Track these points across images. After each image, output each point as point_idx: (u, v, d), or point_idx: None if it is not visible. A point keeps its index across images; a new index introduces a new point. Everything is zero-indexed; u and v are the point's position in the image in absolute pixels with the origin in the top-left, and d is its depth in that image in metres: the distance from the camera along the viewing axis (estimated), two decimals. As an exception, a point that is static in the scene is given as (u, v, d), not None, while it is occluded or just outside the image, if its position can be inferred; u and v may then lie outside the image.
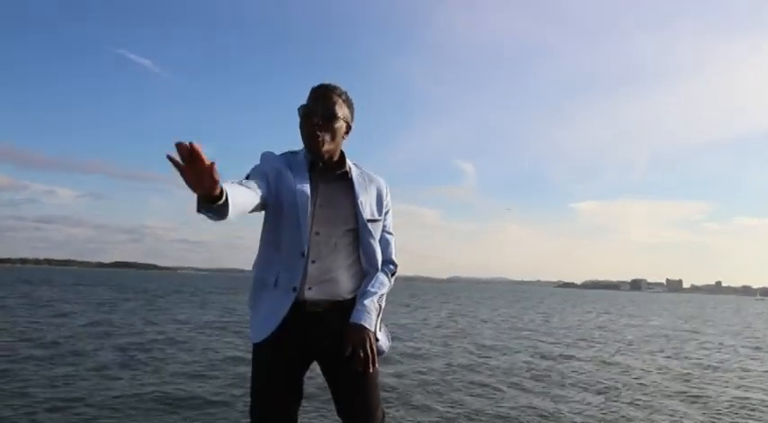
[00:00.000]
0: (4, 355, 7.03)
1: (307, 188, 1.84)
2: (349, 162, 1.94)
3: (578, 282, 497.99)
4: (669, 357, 9.72)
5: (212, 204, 1.46)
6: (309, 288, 1.85)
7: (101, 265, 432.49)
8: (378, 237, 1.95)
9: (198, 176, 1.35)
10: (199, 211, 1.51)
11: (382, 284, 1.95)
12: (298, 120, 1.86)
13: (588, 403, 5.62)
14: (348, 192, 1.90)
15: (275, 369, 1.88)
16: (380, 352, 1.92)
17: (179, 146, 1.30)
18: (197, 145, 1.30)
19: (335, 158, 1.91)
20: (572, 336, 13.40)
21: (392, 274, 2.03)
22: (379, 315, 1.89)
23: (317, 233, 1.85)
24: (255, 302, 1.92)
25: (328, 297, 1.87)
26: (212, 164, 1.34)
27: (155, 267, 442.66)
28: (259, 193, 1.72)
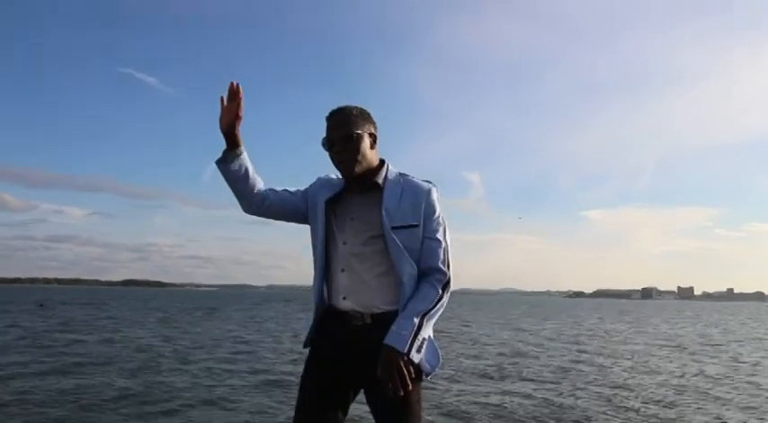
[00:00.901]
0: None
1: (324, 201, 1.95)
2: (388, 171, 1.95)
3: (588, 291, 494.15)
4: None
5: (230, 153, 1.89)
6: (344, 298, 1.89)
7: (110, 283, 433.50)
8: (411, 244, 1.85)
9: (227, 114, 1.84)
10: (217, 162, 1.92)
11: (424, 298, 1.83)
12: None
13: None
14: (378, 200, 1.88)
15: (315, 380, 1.91)
16: (424, 373, 1.85)
17: (231, 85, 1.82)
18: (238, 87, 1.82)
19: (372, 171, 1.93)
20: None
21: (442, 286, 1.87)
22: (417, 334, 1.78)
23: (344, 243, 1.90)
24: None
25: (363, 309, 1.87)
26: (239, 102, 1.83)
27: (162, 284, 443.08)
28: (291, 199, 2.01)
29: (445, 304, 1.89)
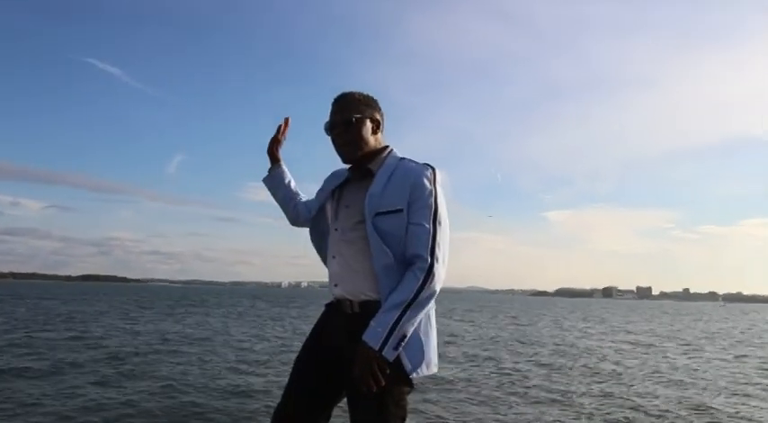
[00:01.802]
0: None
1: (330, 191, 2.01)
2: (389, 157, 1.92)
3: (551, 290, 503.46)
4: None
5: (272, 169, 2.29)
6: (336, 285, 1.89)
7: (68, 278, 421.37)
8: (395, 230, 1.75)
9: (276, 138, 2.28)
10: (264, 179, 2.32)
11: (403, 289, 1.70)
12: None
13: None
14: (368, 186, 1.85)
15: (305, 369, 1.90)
16: (407, 373, 1.72)
17: (286, 119, 2.29)
18: (288, 120, 2.29)
19: (371, 156, 1.93)
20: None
21: (424, 274, 1.71)
22: (393, 330, 1.66)
23: (336, 229, 1.92)
24: None
25: (351, 296, 1.84)
26: (282, 135, 2.29)
27: (124, 280, 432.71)
28: (305, 206, 2.22)
29: (433, 295, 1.73)
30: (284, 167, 2.29)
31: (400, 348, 1.69)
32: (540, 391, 7.25)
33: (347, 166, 2.00)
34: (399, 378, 1.71)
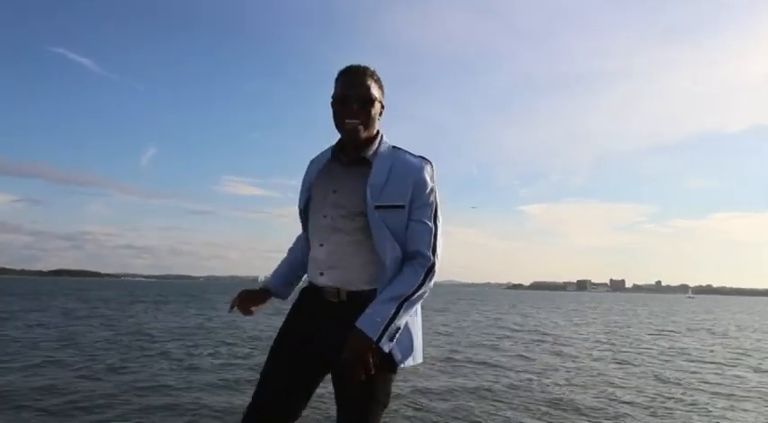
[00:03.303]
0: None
1: (312, 175, 1.90)
2: (381, 144, 1.85)
3: (526, 283, 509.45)
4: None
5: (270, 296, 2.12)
6: (321, 273, 1.83)
7: (40, 273, 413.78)
8: (396, 226, 1.74)
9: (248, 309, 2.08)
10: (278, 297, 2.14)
11: (405, 283, 1.72)
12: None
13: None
14: (364, 175, 1.78)
15: (282, 356, 1.86)
16: (392, 364, 1.75)
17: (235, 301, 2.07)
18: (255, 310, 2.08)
19: (366, 141, 1.83)
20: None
21: (425, 271, 1.74)
22: (391, 322, 1.67)
23: (325, 216, 1.82)
24: None
25: (340, 285, 1.79)
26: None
27: (97, 274, 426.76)
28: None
29: (428, 291, 1.76)
30: (271, 285, 2.10)
31: (394, 341, 1.70)
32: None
33: (325, 150, 1.94)
34: (388, 367, 1.74)
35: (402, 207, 1.75)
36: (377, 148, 1.82)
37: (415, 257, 1.74)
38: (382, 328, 1.66)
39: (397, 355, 1.75)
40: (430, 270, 1.75)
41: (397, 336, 1.71)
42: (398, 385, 6.96)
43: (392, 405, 5.19)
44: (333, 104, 1.82)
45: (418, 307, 1.81)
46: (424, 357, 1.94)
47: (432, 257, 1.75)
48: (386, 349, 1.68)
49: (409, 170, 1.78)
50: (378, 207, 1.73)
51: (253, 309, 2.05)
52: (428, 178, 1.78)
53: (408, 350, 1.78)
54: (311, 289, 1.88)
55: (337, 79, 1.82)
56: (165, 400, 5.97)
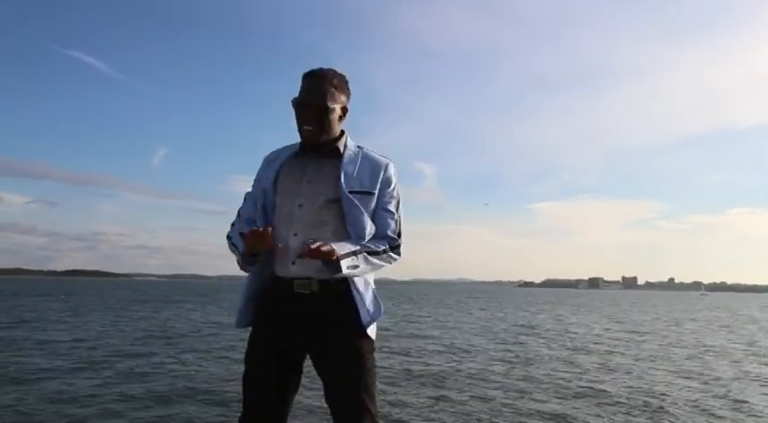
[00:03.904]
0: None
1: (278, 163, 1.93)
2: (348, 142, 1.95)
3: (537, 281, 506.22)
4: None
5: (254, 258, 1.87)
6: (293, 263, 1.83)
7: (53, 273, 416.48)
8: (368, 210, 1.86)
9: (259, 245, 1.77)
10: (243, 269, 1.92)
11: (375, 243, 1.86)
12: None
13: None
14: (336, 165, 1.88)
15: (261, 364, 1.87)
16: (363, 323, 1.84)
17: (265, 231, 1.73)
18: (269, 231, 1.74)
19: (332, 139, 1.92)
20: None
21: (391, 245, 1.90)
22: (354, 253, 1.78)
23: (300, 205, 1.85)
24: (243, 288, 1.97)
25: (312, 274, 1.82)
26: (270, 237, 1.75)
27: (111, 275, 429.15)
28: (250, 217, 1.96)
29: (392, 262, 1.91)
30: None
31: (349, 272, 1.77)
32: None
33: (287, 146, 2.00)
34: (361, 334, 1.84)
35: (372, 194, 1.87)
36: (345, 143, 1.93)
37: (385, 237, 1.89)
38: (346, 251, 1.76)
39: (365, 317, 1.83)
40: (398, 247, 1.92)
41: (355, 271, 1.79)
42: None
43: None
44: (294, 108, 1.88)
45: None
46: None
47: (398, 239, 1.92)
48: (343, 270, 1.74)
49: (377, 164, 1.92)
50: (351, 192, 1.83)
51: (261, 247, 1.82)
52: (393, 174, 1.94)
53: (377, 313, 1.86)
54: (275, 285, 1.88)
55: (302, 81, 1.89)
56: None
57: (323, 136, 1.87)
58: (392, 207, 1.93)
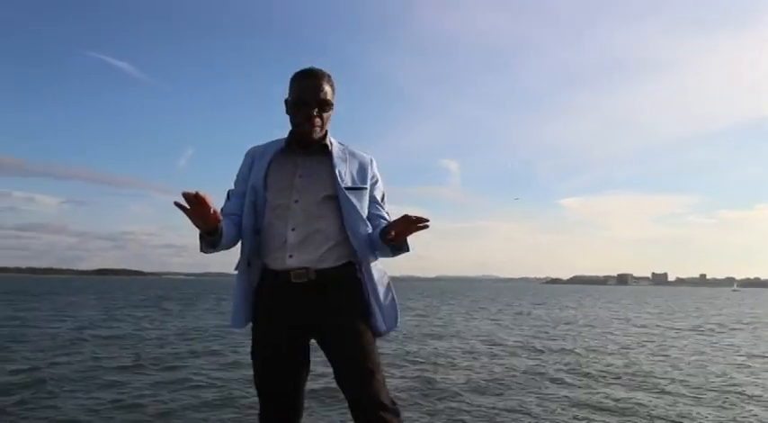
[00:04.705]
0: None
1: (267, 159, 1.93)
2: (331, 138, 1.98)
3: (565, 278, 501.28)
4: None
5: (210, 238, 1.78)
6: (291, 256, 1.87)
7: (83, 272, 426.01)
8: (363, 205, 1.94)
9: (204, 217, 1.69)
10: (202, 250, 1.86)
11: None
12: (284, 112, 1.95)
13: None
14: (327, 162, 1.93)
15: (267, 357, 1.90)
16: (377, 332, 1.93)
17: (185, 194, 1.62)
18: (202, 194, 1.63)
19: (322, 139, 1.96)
20: None
21: None
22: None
23: (296, 201, 1.88)
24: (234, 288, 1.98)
25: (310, 265, 1.86)
26: (215, 211, 1.69)
27: (140, 273, 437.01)
28: (240, 203, 1.96)
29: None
30: (225, 228, 1.83)
31: (400, 254, 1.92)
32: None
33: (272, 141, 2.02)
34: (360, 313, 1.90)
35: (365, 189, 1.95)
36: (329, 140, 1.97)
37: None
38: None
39: (381, 327, 1.93)
40: None
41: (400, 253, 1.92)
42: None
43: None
44: (292, 106, 1.91)
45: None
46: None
47: None
48: (401, 249, 1.89)
49: (364, 160, 2.00)
50: (347, 188, 1.89)
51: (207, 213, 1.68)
52: (378, 169, 2.03)
53: (393, 322, 1.96)
54: (270, 278, 1.91)
55: (294, 80, 1.92)
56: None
57: (319, 133, 1.92)
58: (382, 201, 2.03)
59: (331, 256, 1.89)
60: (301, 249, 1.86)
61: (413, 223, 1.72)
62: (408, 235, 1.78)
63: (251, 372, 1.97)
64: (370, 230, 1.92)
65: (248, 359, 2.00)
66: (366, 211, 1.94)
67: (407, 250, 1.88)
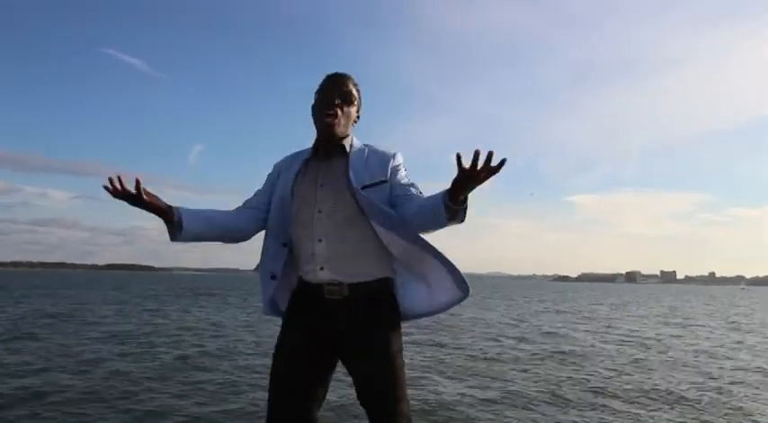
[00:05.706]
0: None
1: (293, 171, 1.91)
2: (354, 141, 1.95)
3: (573, 275, 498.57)
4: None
5: (171, 226, 1.78)
6: (321, 268, 1.81)
7: (95, 267, 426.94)
8: (384, 200, 1.82)
9: (131, 199, 1.70)
10: (173, 238, 1.81)
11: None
12: (308, 107, 1.94)
13: None
14: (345, 164, 1.87)
15: (290, 360, 1.83)
16: (403, 316, 1.90)
17: (110, 180, 1.66)
18: (124, 177, 1.66)
19: (342, 137, 1.92)
20: None
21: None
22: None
23: (320, 211, 1.83)
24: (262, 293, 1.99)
25: (344, 278, 1.81)
26: (151, 195, 1.71)
27: (151, 268, 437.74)
28: (262, 201, 1.97)
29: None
30: (181, 211, 1.80)
31: (457, 223, 1.67)
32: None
33: (296, 153, 2.01)
34: (392, 334, 1.83)
35: (385, 181, 1.85)
36: (351, 142, 1.94)
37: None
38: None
39: (410, 310, 1.91)
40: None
41: (457, 221, 1.66)
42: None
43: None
44: (316, 103, 1.90)
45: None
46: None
47: None
48: (459, 213, 1.62)
49: (383, 154, 1.91)
50: (364, 187, 1.81)
51: (144, 197, 1.69)
52: (401, 159, 1.92)
53: (458, 288, 1.86)
54: (304, 289, 1.88)
55: (323, 83, 1.91)
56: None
57: (342, 126, 1.88)
58: (411, 186, 1.87)
59: (364, 267, 1.82)
60: (331, 261, 1.80)
61: (486, 163, 1.47)
62: (479, 182, 1.51)
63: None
64: (395, 219, 1.79)
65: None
66: (387, 203, 1.82)
67: (463, 219, 1.64)
